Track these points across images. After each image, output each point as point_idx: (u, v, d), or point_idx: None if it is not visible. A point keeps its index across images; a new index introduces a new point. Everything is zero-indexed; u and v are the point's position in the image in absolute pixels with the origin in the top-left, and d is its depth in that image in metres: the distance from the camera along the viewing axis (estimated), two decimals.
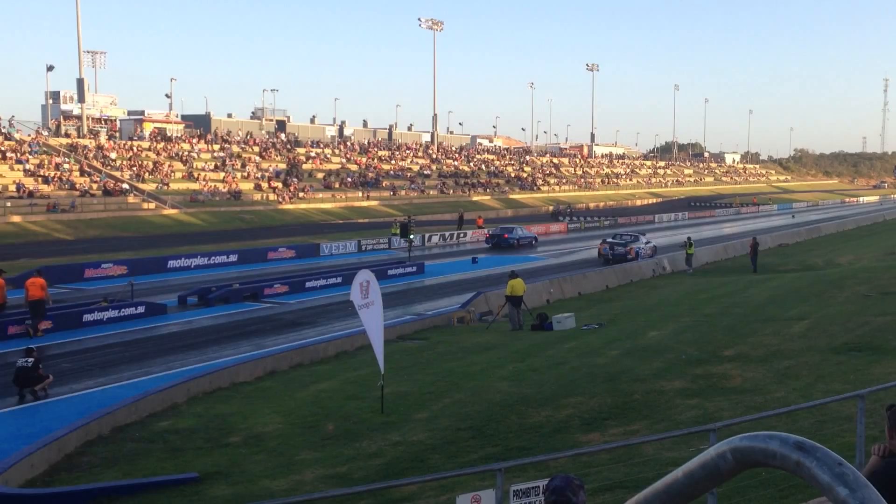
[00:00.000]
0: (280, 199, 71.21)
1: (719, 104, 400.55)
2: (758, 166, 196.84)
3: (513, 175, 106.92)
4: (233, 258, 42.53)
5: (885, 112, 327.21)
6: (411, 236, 44.16)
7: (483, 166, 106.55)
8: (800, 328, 21.04)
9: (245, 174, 74.56)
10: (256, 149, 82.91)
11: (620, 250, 44.54)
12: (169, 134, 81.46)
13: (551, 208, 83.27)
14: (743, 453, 1.36)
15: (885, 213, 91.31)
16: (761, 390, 14.59)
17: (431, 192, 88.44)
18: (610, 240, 46.72)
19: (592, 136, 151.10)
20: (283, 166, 79.49)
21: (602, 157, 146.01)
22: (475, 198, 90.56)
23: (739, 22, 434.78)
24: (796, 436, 1.28)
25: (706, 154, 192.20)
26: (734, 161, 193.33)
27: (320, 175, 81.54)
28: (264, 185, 73.24)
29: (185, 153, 74.63)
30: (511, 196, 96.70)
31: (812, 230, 66.36)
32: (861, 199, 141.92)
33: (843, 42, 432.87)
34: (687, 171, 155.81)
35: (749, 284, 33.39)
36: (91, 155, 67.08)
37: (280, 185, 74.16)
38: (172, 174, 69.08)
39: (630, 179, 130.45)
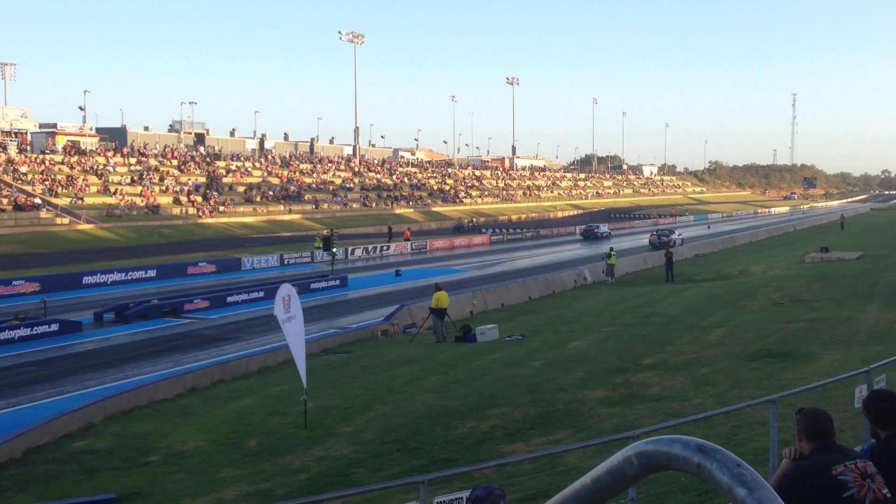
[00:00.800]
0: (200, 213, 70.11)
1: (637, 117, 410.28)
2: (674, 178, 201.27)
3: (435, 188, 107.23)
4: (151, 273, 41.70)
5: (793, 126, 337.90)
6: (334, 249, 43.93)
7: (405, 179, 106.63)
8: (716, 336, 21.53)
9: (163, 188, 73.21)
10: (175, 162, 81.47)
11: (665, 239, 62.20)
12: (83, 147, 79.40)
13: (455, 223, 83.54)
14: (648, 457, 1.40)
15: (795, 223, 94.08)
16: (680, 397, 14.88)
17: (354, 206, 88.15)
18: (656, 233, 67.53)
19: (514, 148, 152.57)
20: (202, 180, 78.29)
21: (523, 169, 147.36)
22: (398, 211, 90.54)
23: (656, 38, 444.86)
24: (697, 439, 1.32)
25: (625, 166, 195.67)
26: (652, 173, 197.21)
27: (241, 188, 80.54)
28: (183, 198, 72.04)
29: (101, 167, 72.90)
30: (434, 209, 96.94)
31: (727, 240, 68.01)
32: (772, 209, 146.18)
33: (755, 58, 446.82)
34: (606, 183, 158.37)
35: (667, 294, 34.07)
36: (0, 169, 65.05)
37: (200, 198, 73.04)
38: (87, 188, 67.41)
39: (551, 191, 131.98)
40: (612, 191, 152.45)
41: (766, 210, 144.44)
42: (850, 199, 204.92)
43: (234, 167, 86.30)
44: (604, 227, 77.39)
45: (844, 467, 4.11)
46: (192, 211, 70.33)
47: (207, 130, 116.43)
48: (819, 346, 18.57)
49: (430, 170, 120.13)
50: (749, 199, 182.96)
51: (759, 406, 10.43)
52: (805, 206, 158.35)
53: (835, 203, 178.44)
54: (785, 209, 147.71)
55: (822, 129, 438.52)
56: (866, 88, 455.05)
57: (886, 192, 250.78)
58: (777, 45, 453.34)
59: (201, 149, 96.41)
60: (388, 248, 60.60)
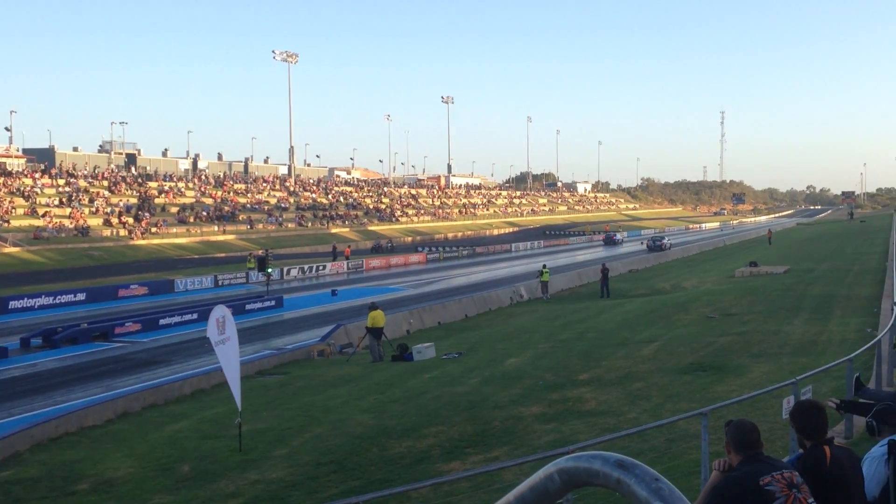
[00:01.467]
0: (131, 235, 68.85)
1: (570, 135, 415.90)
2: (608, 195, 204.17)
3: (371, 206, 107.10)
4: (81, 297, 40.75)
5: (722, 143, 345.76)
6: (269, 270, 43.49)
7: (341, 198, 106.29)
8: (650, 350, 21.82)
9: (93, 209, 71.72)
10: (105, 183, 79.91)
11: (658, 243, 77.69)
12: (9, 168, 77.35)
13: (371, 243, 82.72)
14: (569, 474, 1.41)
15: (725, 238, 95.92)
16: (615, 412, 15.04)
17: (290, 226, 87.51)
18: (651, 238, 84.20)
19: (449, 167, 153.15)
20: (134, 201, 76.93)
21: (459, 187, 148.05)
22: (334, 230, 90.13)
23: (589, 57, 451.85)
24: (617, 454, 1.34)
25: (559, 184, 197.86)
26: (586, 190, 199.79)
27: (174, 209, 79.37)
28: (114, 220, 70.67)
29: (28, 188, 71.08)
30: (370, 227, 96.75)
31: (660, 256, 69.09)
32: (703, 225, 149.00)
33: (685, 77, 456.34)
34: (541, 201, 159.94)
35: (602, 310, 34.46)
36: None
37: (131, 220, 71.74)
38: (13, 210, 65.69)
39: (487, 209, 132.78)
40: (547, 208, 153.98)
41: (697, 226, 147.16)
42: (777, 215, 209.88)
43: (166, 188, 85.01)
44: (619, 236, 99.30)
45: (771, 478, 4.20)
46: (123, 233, 69.03)
47: (139, 151, 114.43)
48: (749, 358, 18.94)
49: (365, 189, 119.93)
50: (680, 215, 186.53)
51: (691, 419, 10.59)
52: (734, 222, 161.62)
53: (763, 218, 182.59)
54: (715, 224, 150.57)
55: (749, 146, 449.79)
56: (792, 106, 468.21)
57: (812, 207, 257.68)
58: (706, 64, 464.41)
59: (133, 169, 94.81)
60: (325, 267, 60.23)
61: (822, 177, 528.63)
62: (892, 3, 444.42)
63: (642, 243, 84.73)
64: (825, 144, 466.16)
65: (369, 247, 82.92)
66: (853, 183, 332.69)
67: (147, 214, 73.98)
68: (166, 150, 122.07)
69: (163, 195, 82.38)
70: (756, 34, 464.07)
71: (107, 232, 68.39)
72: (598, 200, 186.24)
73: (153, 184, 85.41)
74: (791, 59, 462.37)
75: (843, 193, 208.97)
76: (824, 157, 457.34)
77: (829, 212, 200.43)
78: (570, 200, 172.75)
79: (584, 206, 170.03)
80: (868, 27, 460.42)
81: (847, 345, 17.86)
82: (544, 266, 45.01)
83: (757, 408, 12.24)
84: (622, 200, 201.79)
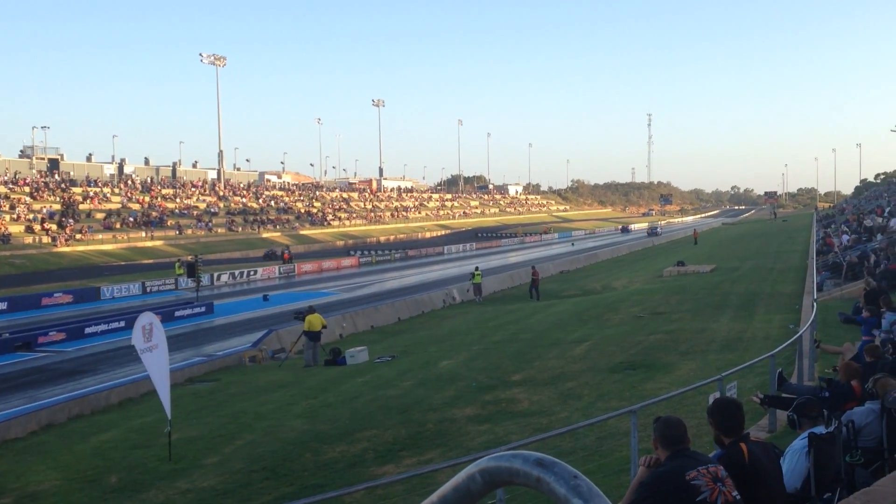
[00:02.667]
0: (55, 242, 67.13)
1: (501, 138, 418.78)
2: (539, 197, 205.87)
3: (303, 211, 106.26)
4: (2, 306, 39.68)
5: (649, 145, 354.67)
6: (199, 275, 42.89)
7: (272, 203, 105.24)
8: (581, 350, 22.08)
9: (14, 216, 69.70)
10: (27, 189, 77.77)
11: (655, 230, 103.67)
12: None
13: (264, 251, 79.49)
14: (490, 473, 1.43)
15: (653, 239, 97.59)
16: (547, 412, 15.19)
17: (220, 230, 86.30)
18: (649, 226, 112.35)
19: (381, 170, 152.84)
20: (57, 207, 74.98)
21: (391, 190, 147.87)
22: (265, 234, 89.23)
23: (518, 59, 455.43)
24: (537, 453, 1.36)
25: (490, 186, 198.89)
26: (517, 192, 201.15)
27: (100, 215, 77.62)
28: (37, 227, 68.80)
29: None
30: (301, 232, 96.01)
31: (590, 257, 69.95)
32: (632, 226, 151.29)
33: (612, 79, 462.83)
34: (473, 203, 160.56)
35: (534, 311, 34.75)
36: None
37: (55, 226, 69.95)
38: None
39: (419, 212, 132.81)
40: (478, 210, 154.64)
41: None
42: (703, 215, 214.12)
43: (91, 193, 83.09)
44: (659, 228, 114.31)
45: (697, 472, 4.30)
46: (46, 240, 67.25)
47: (62, 156, 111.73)
48: (677, 356, 19.29)
49: (297, 193, 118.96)
50: (610, 216, 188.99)
51: (621, 417, 10.75)
52: (662, 222, 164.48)
53: (689, 219, 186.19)
54: (644, 225, 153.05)
55: (676, 147, 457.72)
56: (716, 109, 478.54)
57: (736, 208, 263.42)
58: (633, 67, 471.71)
59: (56, 175, 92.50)
60: (256, 272, 59.60)
61: (745, 177, 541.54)
62: (810, 8, 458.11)
63: (573, 244, 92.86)
64: (748, 146, 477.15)
65: (301, 251, 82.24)
66: (775, 183, 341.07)
67: (71, 221, 72.23)
68: (90, 154, 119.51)
69: (87, 201, 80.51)
70: (681, 38, 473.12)
71: (29, 239, 66.54)
72: (529, 202, 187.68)
73: (77, 189, 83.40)
74: (714, 62, 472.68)
75: (766, 193, 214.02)
76: (748, 158, 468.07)
77: (753, 211, 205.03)
78: (501, 203, 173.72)
79: (515, 209, 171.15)
80: (787, 32, 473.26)
81: (770, 341, 18.31)
82: (476, 268, 45.24)
83: (685, 404, 12.47)
84: (553, 202, 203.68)
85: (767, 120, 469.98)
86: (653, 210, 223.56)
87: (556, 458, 1.38)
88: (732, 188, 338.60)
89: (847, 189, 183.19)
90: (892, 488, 5.18)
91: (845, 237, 38.21)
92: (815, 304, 19.19)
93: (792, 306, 25.86)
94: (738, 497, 4.37)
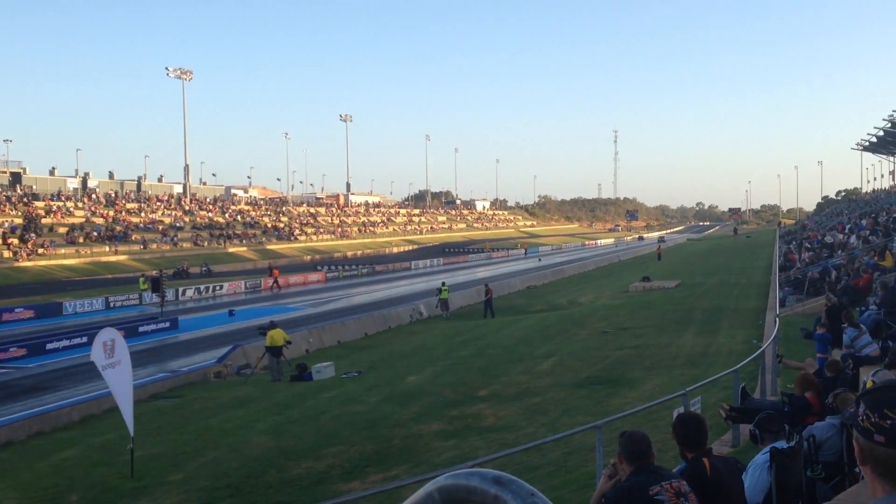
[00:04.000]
0: (17, 257, 66.16)
1: (469, 153, 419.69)
2: (506, 212, 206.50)
3: (269, 225, 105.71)
4: None
5: (616, 161, 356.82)
6: (163, 290, 42.47)
7: (239, 217, 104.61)
8: (547, 365, 22.15)
9: None
10: None
11: (662, 240, 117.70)
12: None
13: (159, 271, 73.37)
14: (448, 491, 1.43)
15: (619, 254, 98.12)
16: (513, 427, 15.20)
17: (185, 245, 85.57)
18: (658, 238, 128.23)
19: (348, 185, 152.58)
20: (19, 221, 73.94)
21: (358, 205, 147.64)
22: (231, 249, 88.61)
23: (485, 75, 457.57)
24: (494, 471, 1.36)
25: (458, 201, 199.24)
26: (484, 208, 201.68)
27: (63, 229, 76.61)
28: None
29: None
30: (268, 247, 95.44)
31: (557, 272, 70.22)
32: (599, 241, 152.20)
33: (579, 97, 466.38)
34: (441, 218, 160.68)
35: (501, 326, 34.80)
36: None
37: (16, 241, 68.95)
38: None
39: (386, 227, 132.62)
40: (446, 225, 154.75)
41: (593, 242, 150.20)
42: (669, 231, 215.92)
43: (54, 207, 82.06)
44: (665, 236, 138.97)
45: (661, 487, 4.33)
46: (7, 254, 66.23)
47: (24, 169, 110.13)
48: (642, 371, 19.42)
49: (263, 207, 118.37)
50: (577, 232, 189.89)
51: (587, 432, 10.79)
52: (629, 238, 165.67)
53: (655, 234, 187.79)
54: (610, 241, 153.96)
55: (642, 164, 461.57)
56: (682, 126, 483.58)
57: (701, 223, 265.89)
58: (599, 84, 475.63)
59: (18, 188, 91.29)
60: (222, 287, 59.16)
61: (710, 194, 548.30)
62: (774, 30, 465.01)
63: (540, 259, 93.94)
64: (713, 163, 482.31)
65: (267, 265, 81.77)
66: (739, 200, 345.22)
67: (33, 235, 71.26)
68: (54, 168, 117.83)
69: (50, 215, 79.50)
70: (647, 56, 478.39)
71: None
72: (496, 218, 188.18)
73: (40, 203, 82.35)
74: (680, 80, 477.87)
75: (730, 210, 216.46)
76: (712, 174, 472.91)
77: (718, 228, 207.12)
78: (468, 218, 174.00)
79: (482, 224, 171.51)
80: (751, 52, 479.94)
81: (734, 356, 18.47)
82: (443, 283, 45.23)
83: (650, 419, 12.54)
84: (520, 218, 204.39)
85: (732, 137, 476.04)
86: (619, 226, 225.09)
87: (521, 473, 1.39)
88: (697, 204, 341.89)
89: (809, 206, 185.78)
90: (853, 502, 5.23)
91: (807, 253, 38.70)
92: (777, 319, 19.45)
93: (755, 322, 26.14)
94: None
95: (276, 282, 62.79)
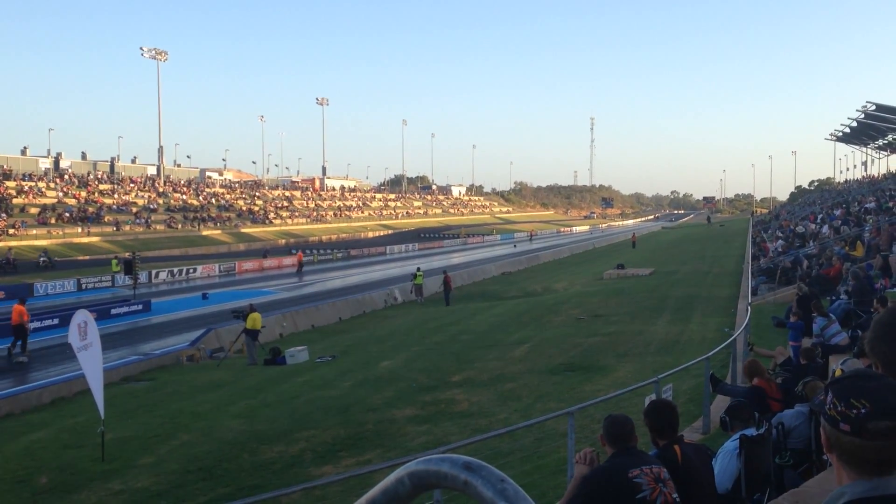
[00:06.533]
0: None
1: (445, 139, 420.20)
2: (482, 198, 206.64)
3: (244, 208, 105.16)
4: None
5: (592, 148, 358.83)
6: (136, 273, 42.16)
7: (213, 200, 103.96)
8: (521, 352, 22.22)
9: None
10: None
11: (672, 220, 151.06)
12: None
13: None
14: (419, 477, 1.43)
15: (594, 241, 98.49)
16: (486, 413, 15.25)
17: (158, 227, 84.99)
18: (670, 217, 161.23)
19: (324, 169, 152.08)
20: None
21: (334, 190, 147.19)
22: (205, 232, 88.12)
23: (463, 62, 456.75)
24: (465, 456, 1.36)
25: (434, 187, 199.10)
26: (460, 193, 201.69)
27: (34, 210, 75.86)
28: None
29: None
30: (243, 230, 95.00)
31: (532, 258, 70.37)
32: (574, 228, 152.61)
33: (556, 82, 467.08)
34: (416, 204, 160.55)
35: (475, 312, 34.85)
36: None
37: None
38: None
39: (362, 212, 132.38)
40: (421, 211, 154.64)
41: (569, 229, 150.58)
42: (643, 219, 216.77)
43: (25, 187, 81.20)
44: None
45: (640, 471, 4.38)
46: None
47: None
48: (615, 358, 19.53)
49: (238, 190, 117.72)
50: (553, 219, 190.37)
51: (559, 418, 10.84)
52: (604, 225, 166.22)
53: (630, 222, 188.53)
54: (585, 228, 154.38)
55: (617, 152, 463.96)
56: (658, 114, 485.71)
57: (676, 212, 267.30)
58: (576, 70, 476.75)
59: None
60: (195, 270, 58.82)
61: (685, 183, 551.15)
62: (747, 19, 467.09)
63: (514, 245, 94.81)
64: (688, 151, 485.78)
65: (241, 249, 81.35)
66: (714, 189, 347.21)
67: (4, 215, 70.50)
68: (25, 148, 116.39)
69: (22, 195, 78.68)
70: (624, 43, 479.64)
71: None
72: (472, 203, 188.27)
73: (11, 183, 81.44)
74: (656, 68, 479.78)
75: (705, 199, 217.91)
76: (687, 163, 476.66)
77: (692, 216, 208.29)
78: (444, 203, 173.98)
79: (458, 210, 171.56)
80: (725, 41, 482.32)
81: (706, 344, 18.63)
82: (418, 269, 45.22)
83: (622, 406, 12.60)
84: (496, 204, 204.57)
85: (707, 126, 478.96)
86: (594, 213, 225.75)
87: (494, 458, 1.39)
88: (672, 193, 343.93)
89: (783, 195, 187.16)
90: (820, 489, 5.30)
91: (779, 242, 39.03)
92: (749, 307, 19.61)
93: (727, 310, 26.34)
94: (678, 499, 4.45)
95: (300, 265, 61.99)
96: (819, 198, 79.88)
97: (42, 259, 57.38)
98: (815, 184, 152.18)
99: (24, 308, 26.35)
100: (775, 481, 6.48)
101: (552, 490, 9.01)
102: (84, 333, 14.93)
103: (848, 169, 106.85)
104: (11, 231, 68.00)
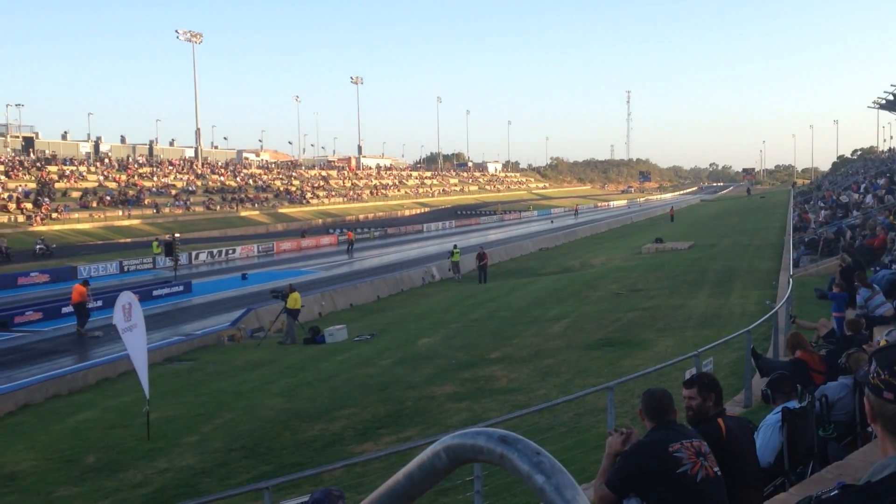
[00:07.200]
0: (31, 221, 66.50)
1: (480, 115, 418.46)
2: (518, 174, 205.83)
3: (281, 189, 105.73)
4: None
5: (629, 122, 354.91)
6: (176, 254, 42.63)
7: (250, 181, 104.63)
8: (559, 327, 22.16)
9: None
10: (1, 168, 76.91)
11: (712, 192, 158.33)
12: None
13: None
14: (455, 451, 1.42)
15: (632, 215, 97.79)
16: (525, 389, 15.26)
17: (197, 209, 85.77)
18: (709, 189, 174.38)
19: (360, 148, 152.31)
20: (32, 186, 74.20)
21: (370, 168, 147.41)
22: (243, 213, 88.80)
23: (497, 37, 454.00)
24: (501, 430, 1.35)
25: (469, 164, 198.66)
26: (496, 170, 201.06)
27: (76, 194, 76.87)
28: (12, 206, 68.08)
29: None
30: (280, 210, 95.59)
31: (569, 234, 70.09)
32: (611, 203, 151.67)
33: (591, 57, 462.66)
34: (452, 181, 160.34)
35: (513, 288, 34.80)
36: None
37: (30, 205, 69.26)
38: None
39: (398, 190, 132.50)
40: (458, 188, 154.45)
41: (606, 204, 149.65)
42: (682, 192, 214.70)
43: (67, 172, 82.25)
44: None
45: (681, 445, 4.35)
46: (21, 219, 66.60)
47: (37, 134, 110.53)
48: (654, 332, 19.41)
49: (275, 171, 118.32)
50: (589, 194, 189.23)
51: (598, 393, 10.81)
52: (641, 199, 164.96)
53: (668, 196, 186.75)
54: (623, 202, 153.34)
55: (654, 124, 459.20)
56: (694, 85, 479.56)
57: (715, 184, 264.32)
58: (612, 44, 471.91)
59: (31, 153, 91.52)
60: (234, 251, 59.37)
61: (724, 154, 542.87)
62: None
63: (552, 221, 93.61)
64: (727, 123, 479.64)
65: (279, 229, 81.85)
66: (753, 160, 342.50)
67: (47, 200, 71.55)
68: (66, 133, 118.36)
69: (63, 179, 79.73)
70: (660, 15, 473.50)
71: (4, 218, 65.90)
72: (508, 180, 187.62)
73: (53, 168, 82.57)
74: (693, 40, 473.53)
75: (744, 170, 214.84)
76: (726, 135, 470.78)
77: (731, 188, 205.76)
78: (480, 180, 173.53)
79: (494, 186, 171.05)
80: (765, 9, 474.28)
81: (747, 317, 18.44)
82: (455, 246, 45.21)
83: (662, 381, 12.53)
84: (532, 180, 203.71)
85: (746, 97, 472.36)
86: (631, 187, 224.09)
87: (533, 434, 1.38)
88: (711, 165, 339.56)
89: (825, 165, 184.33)
90: (864, 461, 5.23)
91: (822, 213, 38.48)
92: (791, 280, 19.36)
93: (769, 282, 26.06)
94: (719, 473, 4.42)
95: (350, 244, 62.36)
96: (862, 167, 78.53)
97: (39, 247, 57.72)
98: (858, 153, 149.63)
99: (84, 289, 27.93)
100: (819, 454, 6.40)
101: (592, 465, 8.98)
102: (129, 315, 15.14)
103: (892, 137, 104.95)
104: (55, 215, 69.02)
